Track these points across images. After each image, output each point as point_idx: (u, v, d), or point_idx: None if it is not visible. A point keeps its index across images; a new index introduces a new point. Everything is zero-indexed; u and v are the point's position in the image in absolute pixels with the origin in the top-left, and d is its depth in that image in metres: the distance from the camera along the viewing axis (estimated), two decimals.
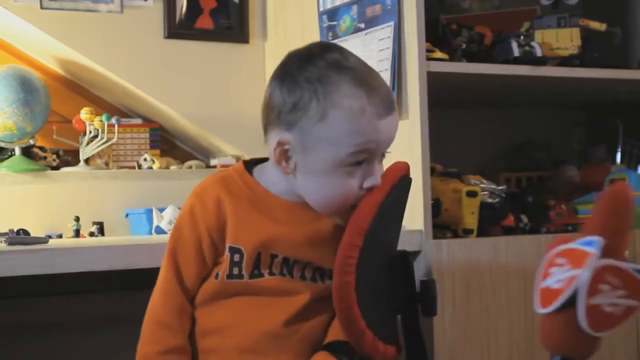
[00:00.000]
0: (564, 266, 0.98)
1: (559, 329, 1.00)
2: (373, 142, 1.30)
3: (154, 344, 1.37)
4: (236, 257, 1.35)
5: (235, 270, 1.36)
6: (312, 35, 2.22)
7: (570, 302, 0.97)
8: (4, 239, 1.75)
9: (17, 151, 2.34)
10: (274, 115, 1.33)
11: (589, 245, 0.98)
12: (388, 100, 1.33)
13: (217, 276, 1.37)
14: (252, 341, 1.36)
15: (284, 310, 1.37)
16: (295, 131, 1.30)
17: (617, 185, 1.03)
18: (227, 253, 1.36)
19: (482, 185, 2.03)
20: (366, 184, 1.33)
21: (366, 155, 1.31)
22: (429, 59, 1.93)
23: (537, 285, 1.02)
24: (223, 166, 2.54)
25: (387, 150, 1.36)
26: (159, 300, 1.39)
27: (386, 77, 1.94)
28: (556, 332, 1.00)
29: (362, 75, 1.32)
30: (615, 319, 0.97)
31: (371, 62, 1.99)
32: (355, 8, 2.08)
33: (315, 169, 1.31)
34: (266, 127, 1.36)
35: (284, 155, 1.33)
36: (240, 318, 1.37)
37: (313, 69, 1.31)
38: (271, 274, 1.37)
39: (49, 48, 2.44)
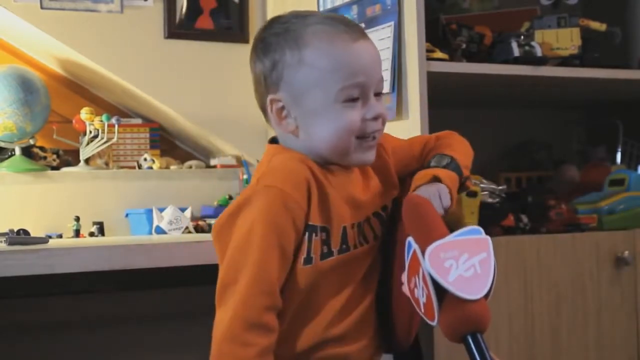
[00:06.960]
0: (462, 256, 1.06)
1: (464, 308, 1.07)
2: (357, 72, 1.31)
3: None
4: (323, 236, 1.32)
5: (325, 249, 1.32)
6: None
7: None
8: (4, 239, 1.75)
9: (17, 151, 2.34)
10: (263, 86, 1.35)
11: (475, 233, 1.10)
12: (355, 26, 1.36)
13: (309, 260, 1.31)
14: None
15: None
16: (283, 86, 1.33)
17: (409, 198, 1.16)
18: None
19: (482, 185, 2.03)
20: (369, 115, 1.32)
21: (357, 89, 1.31)
22: (429, 59, 1.93)
23: (443, 281, 1.06)
24: (223, 166, 2.54)
25: (383, 90, 1.37)
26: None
27: (386, 77, 1.94)
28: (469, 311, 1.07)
29: (322, 15, 1.38)
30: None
31: None
32: (355, 8, 2.07)
33: (313, 114, 1.32)
34: (263, 107, 1.37)
35: (280, 113, 1.34)
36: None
37: (277, 25, 1.37)
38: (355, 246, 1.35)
39: (49, 48, 2.44)
